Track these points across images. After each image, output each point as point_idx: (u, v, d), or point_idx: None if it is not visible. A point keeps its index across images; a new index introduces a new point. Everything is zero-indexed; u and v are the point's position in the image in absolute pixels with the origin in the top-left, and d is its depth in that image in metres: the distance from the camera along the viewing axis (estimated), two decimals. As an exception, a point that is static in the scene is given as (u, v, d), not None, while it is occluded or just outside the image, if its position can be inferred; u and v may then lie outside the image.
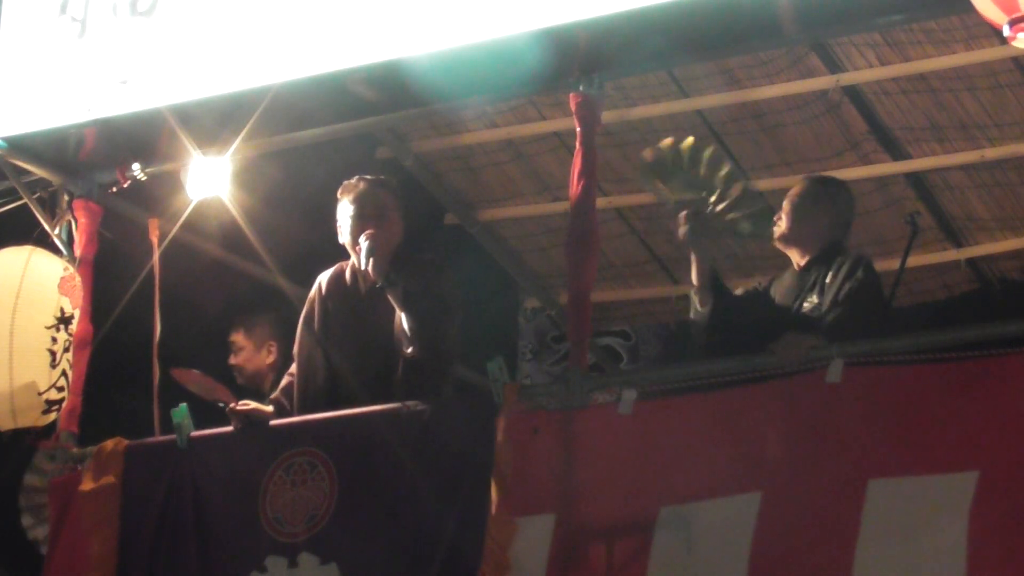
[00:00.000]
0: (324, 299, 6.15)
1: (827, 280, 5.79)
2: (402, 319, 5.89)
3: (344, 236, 6.10)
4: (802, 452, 5.20)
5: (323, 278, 6.20)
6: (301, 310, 6.21)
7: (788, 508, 5.12)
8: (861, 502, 5.00)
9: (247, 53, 6.20)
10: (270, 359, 7.13)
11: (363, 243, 5.95)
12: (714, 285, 5.87)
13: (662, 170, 5.89)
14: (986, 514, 4.84)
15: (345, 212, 6.11)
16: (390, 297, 5.92)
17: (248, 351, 7.18)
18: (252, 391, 6.91)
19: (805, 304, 5.79)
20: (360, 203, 6.09)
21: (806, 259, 5.93)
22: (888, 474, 5.03)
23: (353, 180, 6.17)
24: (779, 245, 5.99)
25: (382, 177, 6.26)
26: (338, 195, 6.17)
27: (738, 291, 6.11)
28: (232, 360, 7.19)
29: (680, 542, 5.21)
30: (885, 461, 5.06)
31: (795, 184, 6.12)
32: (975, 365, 5.07)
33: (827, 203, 6.01)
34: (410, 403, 5.77)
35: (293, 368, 6.21)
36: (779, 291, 5.96)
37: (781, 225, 5.96)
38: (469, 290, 6.32)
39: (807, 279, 5.88)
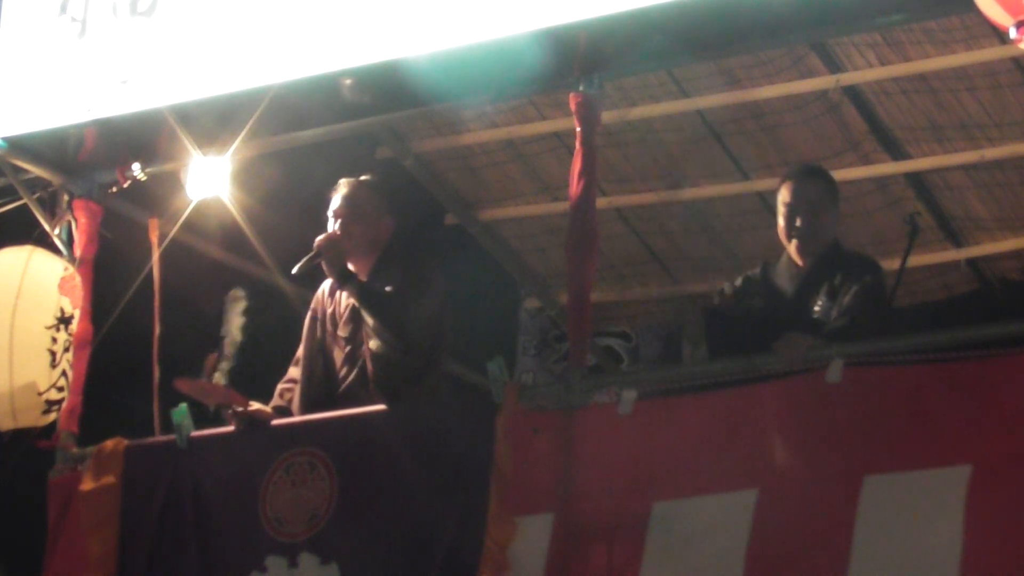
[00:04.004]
0: (325, 302, 6.17)
1: (836, 281, 5.77)
2: (363, 314, 5.92)
3: None
4: (800, 450, 5.21)
5: (328, 281, 6.22)
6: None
7: (785, 504, 5.13)
8: (857, 497, 5.01)
9: (247, 53, 6.20)
10: None
11: (315, 244, 5.99)
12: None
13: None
14: (981, 506, 4.86)
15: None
16: (347, 293, 5.96)
17: None
18: None
19: (815, 308, 5.76)
20: (334, 203, 6.15)
21: (810, 258, 5.89)
22: (883, 469, 5.04)
23: (341, 182, 6.20)
24: (792, 243, 5.93)
25: (367, 177, 6.27)
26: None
27: (736, 283, 6.05)
28: None
29: (677, 538, 5.22)
30: (881, 457, 5.07)
31: (787, 179, 6.06)
32: (975, 365, 5.08)
33: (836, 199, 6.00)
34: (409, 403, 5.78)
35: (291, 374, 6.22)
36: (783, 287, 5.93)
37: (798, 223, 5.90)
38: (469, 289, 6.31)
39: (814, 281, 5.83)
